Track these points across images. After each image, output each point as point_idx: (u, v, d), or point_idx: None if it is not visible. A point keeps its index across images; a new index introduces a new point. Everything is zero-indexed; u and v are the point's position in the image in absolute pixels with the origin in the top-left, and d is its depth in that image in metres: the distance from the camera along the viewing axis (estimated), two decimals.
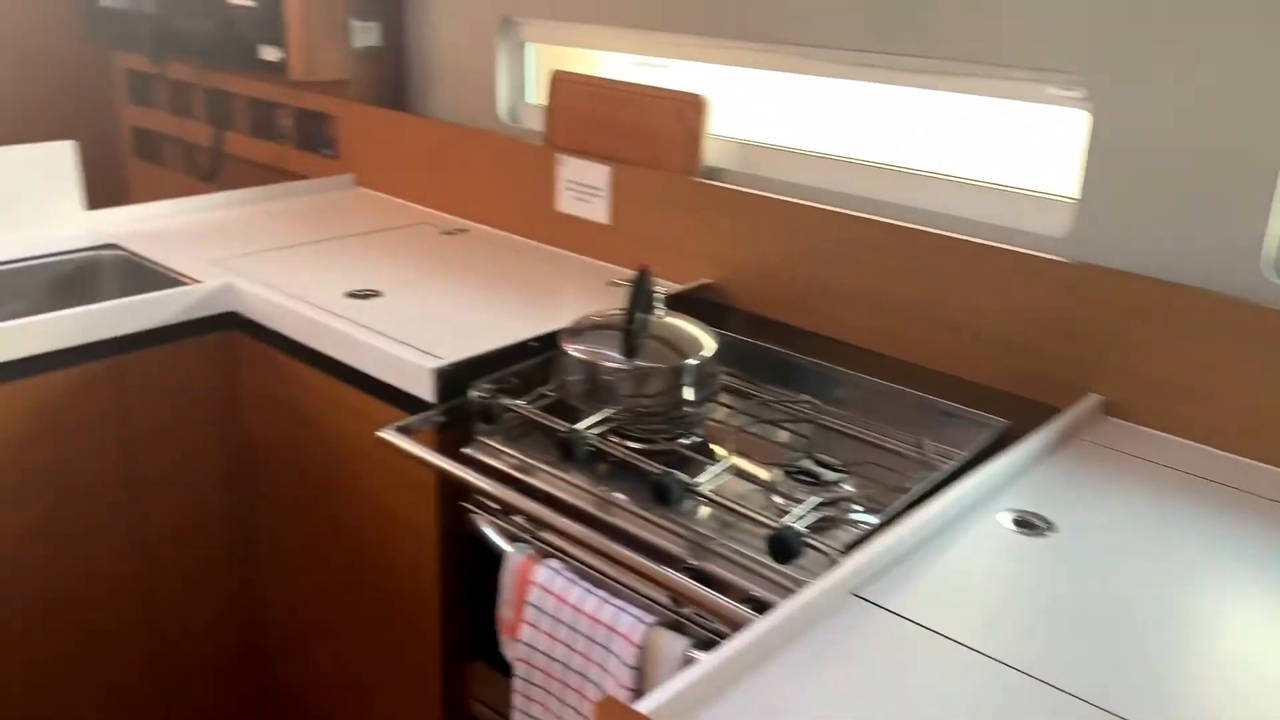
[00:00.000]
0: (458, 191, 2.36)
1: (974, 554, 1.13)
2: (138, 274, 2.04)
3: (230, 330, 1.90)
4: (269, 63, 2.55)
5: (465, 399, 1.55)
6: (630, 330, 1.46)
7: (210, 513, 1.97)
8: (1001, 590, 1.06)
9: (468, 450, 1.51)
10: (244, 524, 2.02)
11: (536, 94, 2.39)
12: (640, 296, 1.49)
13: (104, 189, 3.34)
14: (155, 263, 2.01)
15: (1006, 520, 1.20)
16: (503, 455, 1.49)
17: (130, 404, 1.80)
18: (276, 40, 2.50)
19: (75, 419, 1.74)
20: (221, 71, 2.82)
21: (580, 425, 1.42)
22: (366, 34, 2.54)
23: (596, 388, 1.47)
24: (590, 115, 2.10)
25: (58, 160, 2.10)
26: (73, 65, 3.21)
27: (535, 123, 2.35)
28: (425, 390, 1.56)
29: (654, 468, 1.34)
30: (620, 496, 1.36)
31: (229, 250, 2.08)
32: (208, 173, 2.84)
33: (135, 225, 2.22)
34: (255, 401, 1.91)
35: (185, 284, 1.90)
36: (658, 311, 1.52)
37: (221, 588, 2.03)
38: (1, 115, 3.10)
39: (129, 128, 3.34)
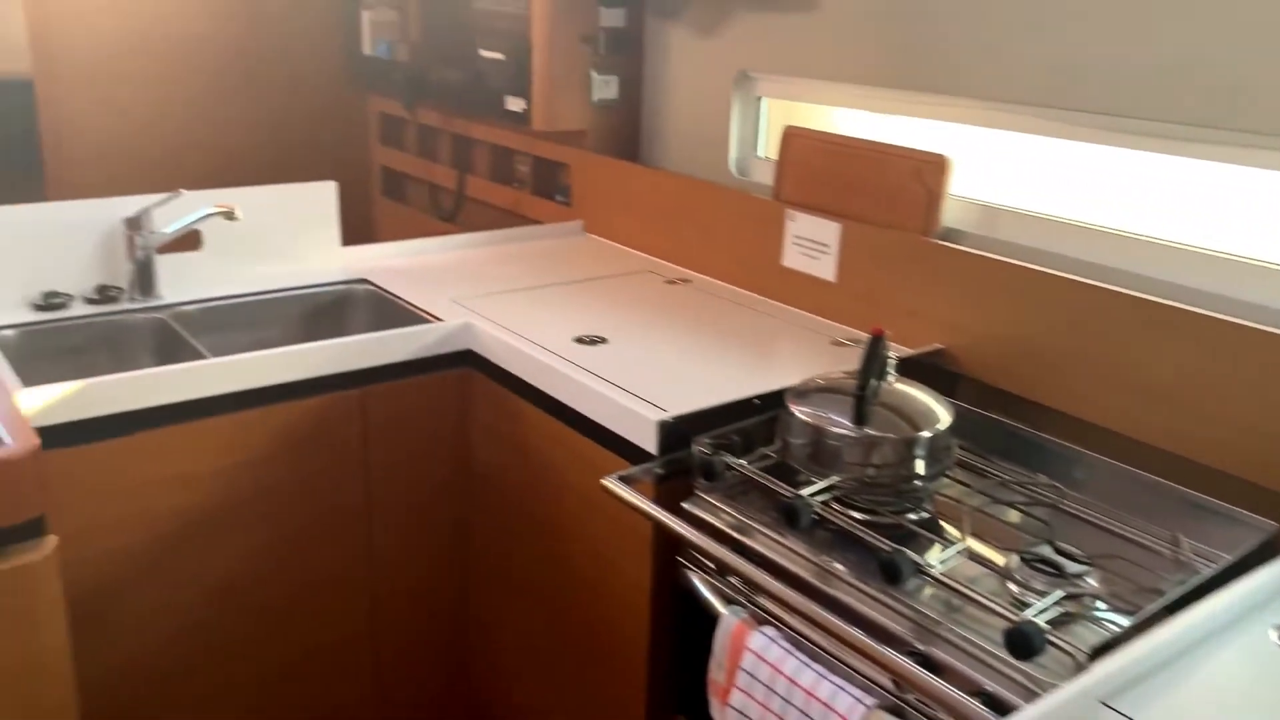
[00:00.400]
0: (683, 241, 2.39)
1: (1238, 670, 1.03)
2: (385, 308, 2.16)
3: (466, 367, 1.98)
4: (513, 113, 2.67)
5: (687, 453, 1.55)
6: (862, 396, 1.43)
7: (436, 540, 2.06)
8: (1269, 713, 0.96)
9: (686, 505, 1.51)
10: (465, 553, 2.10)
11: (767, 148, 2.40)
12: (873, 361, 1.45)
13: (352, 224, 3.58)
14: (401, 298, 2.13)
15: (1276, 636, 1.09)
16: (721, 513, 1.48)
17: (373, 431, 1.91)
18: (521, 92, 2.62)
19: (324, 442, 1.86)
20: (467, 119, 2.98)
21: (806, 491, 1.39)
22: (605, 88, 2.62)
23: (822, 453, 1.44)
24: (822, 171, 2.08)
25: (321, 199, 2.26)
26: (332, 109, 3.47)
27: (765, 176, 2.36)
28: (648, 441, 1.57)
29: (880, 542, 1.30)
30: (840, 568, 1.32)
31: (467, 290, 2.17)
32: (449, 213, 2.99)
33: (384, 262, 2.37)
34: (484, 437, 1.99)
35: (428, 321, 2.00)
36: (889, 378, 1.48)
37: (440, 611, 2.11)
38: (267, 152, 3.38)
39: (378, 167, 3.58)
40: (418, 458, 1.98)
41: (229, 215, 1.95)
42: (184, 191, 2.02)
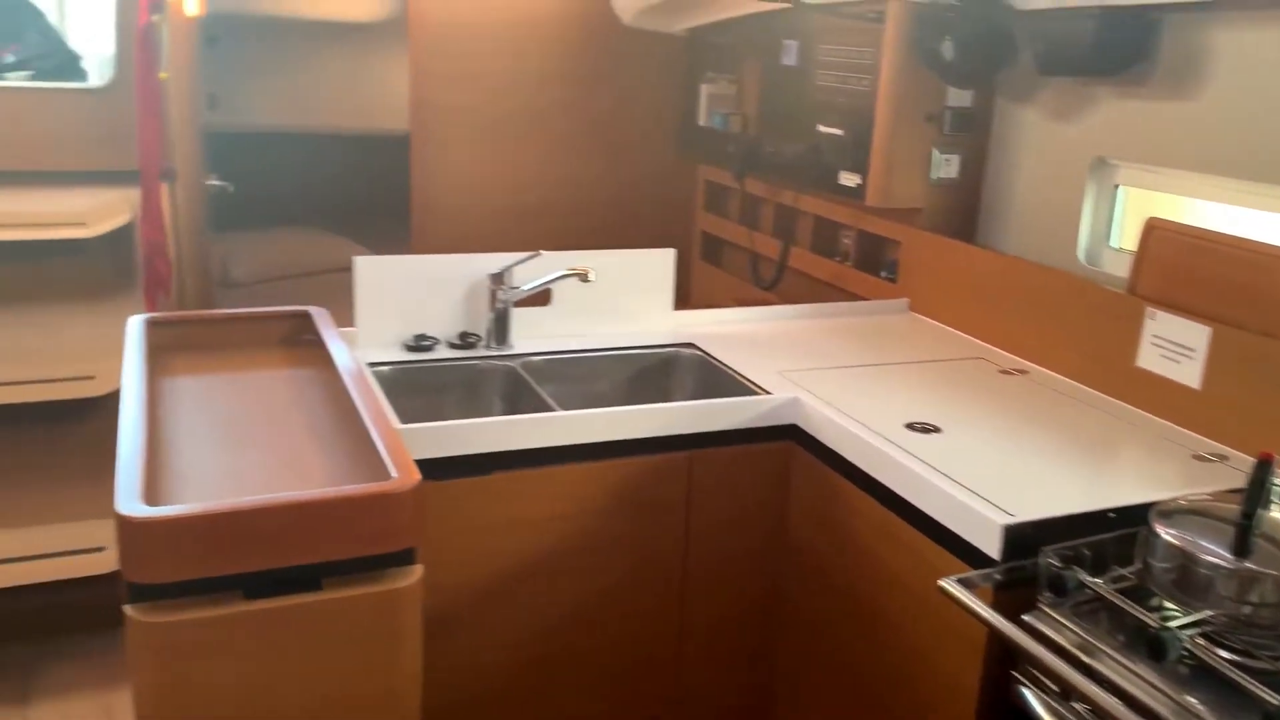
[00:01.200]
0: (1020, 330, 2.29)
1: None
2: (711, 374, 2.21)
3: (790, 441, 1.99)
4: (846, 187, 2.68)
5: (1032, 562, 1.47)
6: (1245, 525, 1.30)
7: (746, 605, 2.06)
8: None
9: (1028, 618, 1.43)
10: (775, 622, 2.09)
11: (1122, 239, 2.26)
12: (1260, 488, 1.32)
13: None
14: (727, 366, 2.17)
15: None
16: (1066, 631, 1.39)
17: (696, 494, 1.95)
18: (858, 167, 2.62)
19: (651, 500, 1.92)
20: (796, 190, 3.01)
21: (1174, 623, 1.28)
22: (946, 166, 2.58)
23: (1190, 582, 1.32)
24: (1190, 268, 1.93)
25: (659, 265, 2.36)
26: (663, 174, 3.63)
27: (1118, 269, 2.22)
28: (989, 544, 1.50)
29: (1262, 691, 1.17)
30: (1205, 711, 1.20)
31: (793, 362, 2.19)
32: (769, 282, 3.03)
33: (711, 327, 2.43)
34: (804, 512, 1.98)
35: (754, 391, 2.03)
36: (1275, 507, 1.34)
37: (746, 679, 2.11)
38: (599, 210, 3.57)
39: (699, 232, 3.69)
40: (736, 524, 2.00)
41: (583, 278, 2.07)
42: (543, 253, 2.17)
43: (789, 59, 2.93)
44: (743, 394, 2.03)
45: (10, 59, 3.94)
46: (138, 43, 2.98)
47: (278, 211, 4.74)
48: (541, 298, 2.28)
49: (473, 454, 1.79)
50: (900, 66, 2.49)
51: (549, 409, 1.94)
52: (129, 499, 1.27)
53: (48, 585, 2.74)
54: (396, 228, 5.51)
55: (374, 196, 5.65)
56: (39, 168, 3.23)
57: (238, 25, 3.91)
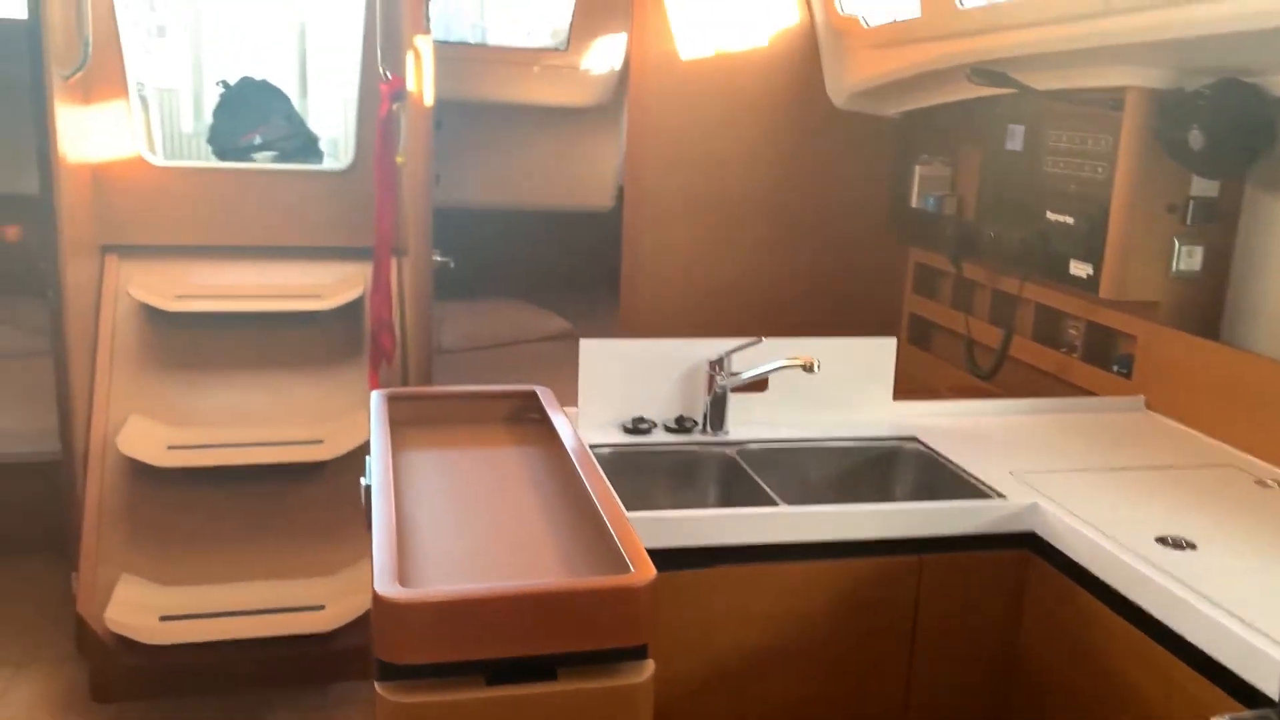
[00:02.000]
0: (1277, 438, 2.11)
1: None
2: (937, 471, 2.13)
3: (1025, 549, 1.89)
4: (1076, 277, 2.57)
5: None
6: None
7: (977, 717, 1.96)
8: None
9: None
10: None
11: None
12: None
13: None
14: (954, 463, 2.09)
15: None
16: None
17: (924, 599, 1.87)
18: (1090, 257, 2.51)
19: (876, 603, 1.85)
20: (1019, 278, 2.90)
21: None
22: (1188, 259, 2.43)
23: None
24: None
25: (880, 354, 2.31)
26: (870, 256, 3.58)
27: None
28: (1267, 681, 1.37)
29: None
30: None
31: (1025, 462, 2.08)
32: (986, 371, 2.92)
33: (933, 420, 2.35)
34: (1042, 628, 1.86)
35: (986, 494, 1.94)
36: None
37: None
38: (806, 293, 3.54)
39: (908, 315, 3.61)
40: (965, 633, 1.91)
41: (808, 369, 2.05)
42: (764, 339, 2.16)
43: (1013, 143, 2.85)
44: (973, 495, 1.95)
45: (258, 140, 4.30)
46: (379, 129, 3.19)
47: (486, 283, 4.96)
48: (758, 383, 2.26)
49: (694, 546, 1.78)
50: (1139, 154, 2.38)
51: (768, 499, 1.92)
52: (386, 581, 1.31)
53: (270, 639, 2.89)
54: (597, 301, 5.68)
55: (575, 270, 5.84)
56: (283, 243, 3.48)
57: (459, 110, 4.13)
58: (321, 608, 2.89)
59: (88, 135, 3.24)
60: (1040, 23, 2.44)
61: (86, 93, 3.20)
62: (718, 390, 2.17)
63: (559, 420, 1.99)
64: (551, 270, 5.70)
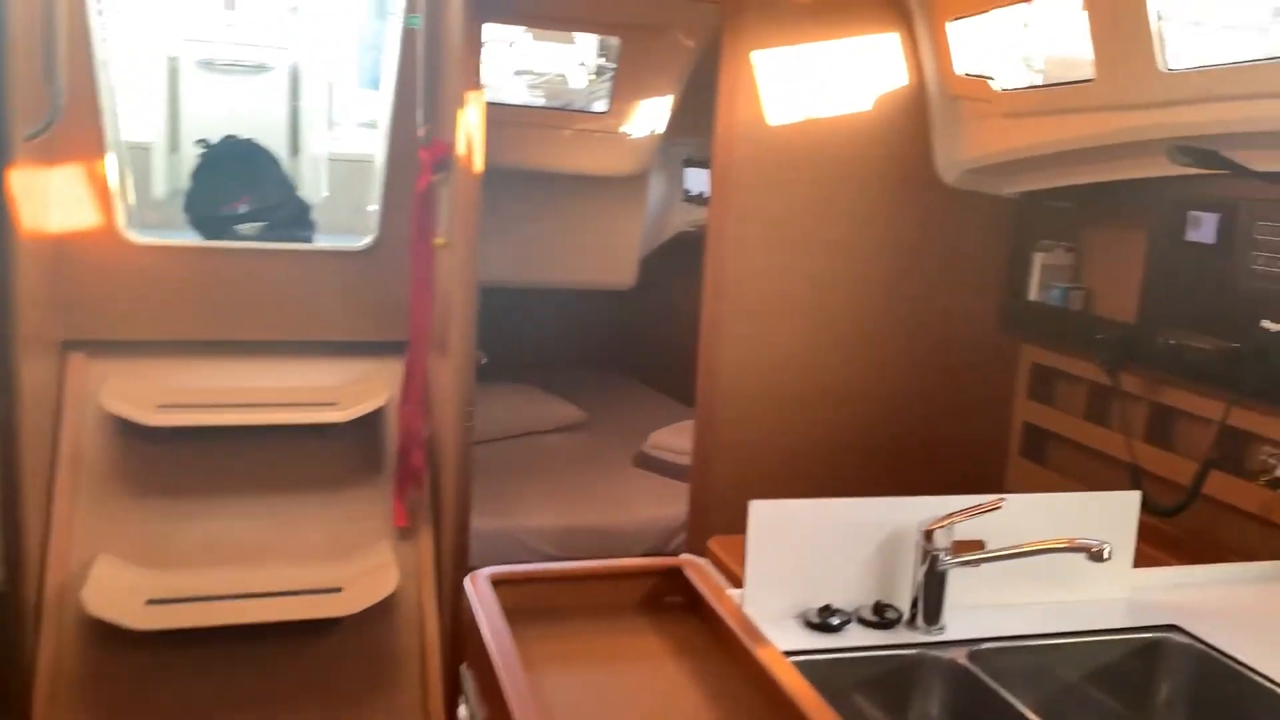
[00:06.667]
0: None
1: None
2: (1221, 677, 1.60)
3: None
4: None
5: None
6: None
7: None
8: None
9: None
10: None
11: None
12: None
13: (986, 479, 3.13)
14: (1247, 666, 1.56)
15: None
16: None
17: None
18: None
19: None
20: (1212, 395, 2.39)
21: None
22: None
23: None
24: None
25: (1121, 511, 1.78)
26: (980, 353, 3.08)
27: None
28: None
29: None
30: None
31: None
32: (1172, 508, 2.40)
33: (1185, 594, 1.82)
34: None
35: None
36: None
37: None
38: (915, 400, 3.03)
39: (1021, 424, 3.10)
40: None
41: (1095, 556, 1.50)
42: (1008, 497, 1.62)
43: (1199, 234, 2.37)
44: None
45: (243, 209, 3.69)
46: (416, 204, 2.63)
47: (490, 366, 4.27)
48: (966, 547, 1.71)
49: None
50: None
51: None
52: None
53: None
54: (615, 385, 5.11)
55: (589, 351, 5.28)
56: (289, 337, 2.88)
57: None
58: None
59: (53, 206, 2.63)
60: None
61: (53, 153, 2.59)
62: (939, 569, 1.61)
63: (724, 614, 1.46)
64: (565, 351, 5.14)
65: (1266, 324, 2.18)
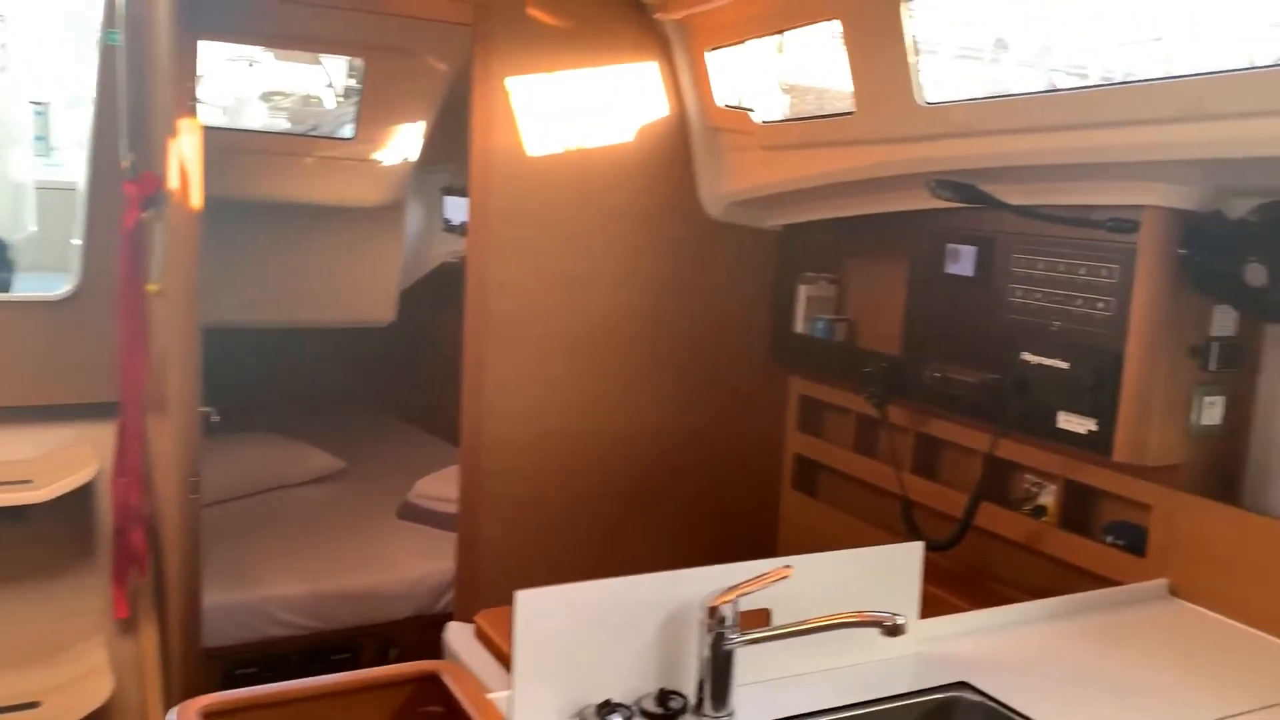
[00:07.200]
0: None
1: None
2: None
3: None
4: (1069, 432, 2.10)
5: None
6: None
7: None
8: None
9: None
10: None
11: None
12: None
13: (758, 521, 3.07)
14: (1028, 718, 1.52)
15: None
16: None
17: None
18: (1092, 410, 2.05)
19: None
20: (978, 428, 2.39)
21: None
22: (1209, 410, 2.03)
23: None
24: None
25: (899, 564, 1.70)
26: (746, 388, 3.02)
27: None
28: None
29: None
30: None
31: (1114, 707, 1.54)
32: (945, 542, 2.38)
33: (973, 641, 1.77)
34: None
35: None
36: None
37: None
38: (688, 437, 2.93)
39: (791, 455, 3.07)
40: None
41: (891, 631, 1.40)
42: (792, 561, 1.49)
43: (958, 266, 2.38)
44: None
45: None
46: (124, 245, 2.28)
47: (238, 414, 3.89)
48: (752, 617, 1.59)
49: None
50: (1161, 288, 1.96)
51: None
52: None
53: None
54: (376, 430, 4.77)
55: (350, 392, 4.92)
56: None
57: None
58: None
59: None
60: (1036, 129, 1.99)
61: None
62: (723, 649, 1.47)
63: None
64: (321, 394, 4.76)
65: (1026, 356, 2.20)
